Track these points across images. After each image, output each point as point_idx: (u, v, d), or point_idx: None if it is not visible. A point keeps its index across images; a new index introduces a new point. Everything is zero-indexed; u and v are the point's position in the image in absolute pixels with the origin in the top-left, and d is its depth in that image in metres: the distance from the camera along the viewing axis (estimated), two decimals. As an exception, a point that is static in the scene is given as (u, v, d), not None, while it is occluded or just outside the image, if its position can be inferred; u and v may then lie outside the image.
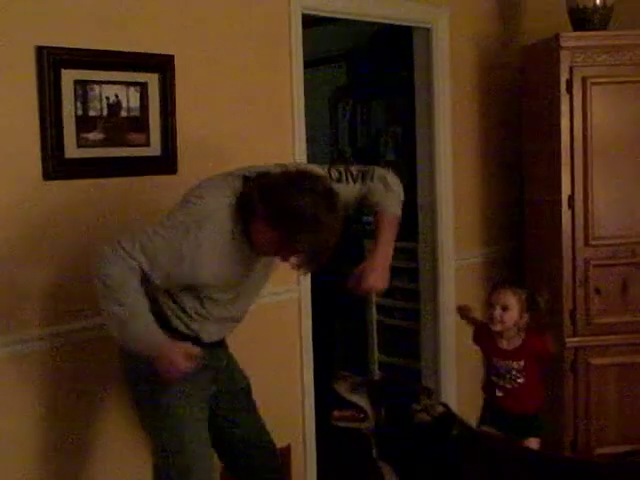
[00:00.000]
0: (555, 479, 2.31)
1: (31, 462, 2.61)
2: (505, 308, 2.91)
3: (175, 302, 2.36)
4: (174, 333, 2.35)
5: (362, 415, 2.38)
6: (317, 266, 2.29)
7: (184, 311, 2.37)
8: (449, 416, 2.38)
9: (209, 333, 2.43)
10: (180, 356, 2.23)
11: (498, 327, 2.93)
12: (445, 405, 2.45)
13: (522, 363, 2.94)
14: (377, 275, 2.47)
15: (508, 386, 2.98)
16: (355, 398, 2.39)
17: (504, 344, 2.99)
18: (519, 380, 2.96)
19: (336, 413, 2.43)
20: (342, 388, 2.42)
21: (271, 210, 2.17)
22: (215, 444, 2.53)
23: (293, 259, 2.27)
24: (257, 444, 2.65)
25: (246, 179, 2.30)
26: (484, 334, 3.07)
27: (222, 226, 2.23)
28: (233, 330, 2.57)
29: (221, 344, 2.56)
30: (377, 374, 2.46)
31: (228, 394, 2.58)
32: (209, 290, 2.33)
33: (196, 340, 2.38)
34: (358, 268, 2.50)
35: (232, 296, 2.40)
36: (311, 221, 2.12)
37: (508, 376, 2.97)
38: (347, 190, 2.48)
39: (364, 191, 2.53)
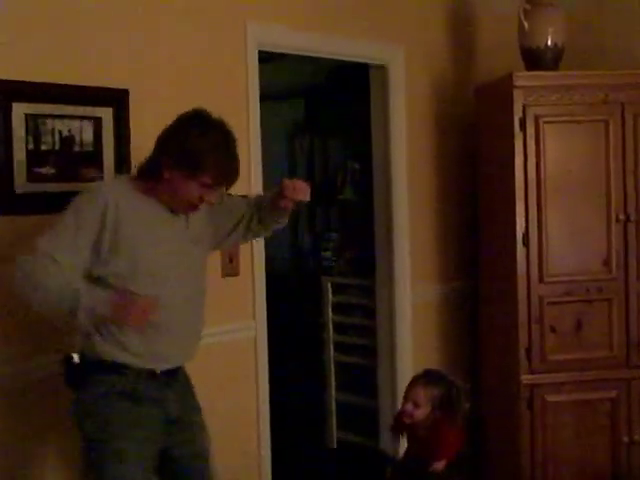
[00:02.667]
0: None
1: None
2: (416, 404, 2.90)
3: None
4: (117, 371, 2.26)
5: None
6: (233, 182, 2.37)
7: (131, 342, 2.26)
8: None
9: (159, 354, 2.32)
10: (135, 303, 2.16)
11: (407, 421, 2.93)
12: None
13: (428, 448, 2.90)
14: (297, 184, 2.49)
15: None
16: None
17: (419, 435, 2.94)
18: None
19: None
20: None
21: (170, 153, 2.28)
22: None
23: (211, 195, 2.33)
24: None
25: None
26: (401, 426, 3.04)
27: (123, 193, 2.29)
28: (188, 355, 2.45)
29: (176, 375, 2.42)
30: None
31: (181, 450, 2.44)
32: (151, 278, 2.27)
33: (146, 374, 2.29)
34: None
35: (176, 286, 2.33)
36: (208, 144, 2.26)
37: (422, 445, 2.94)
38: (238, 200, 2.66)
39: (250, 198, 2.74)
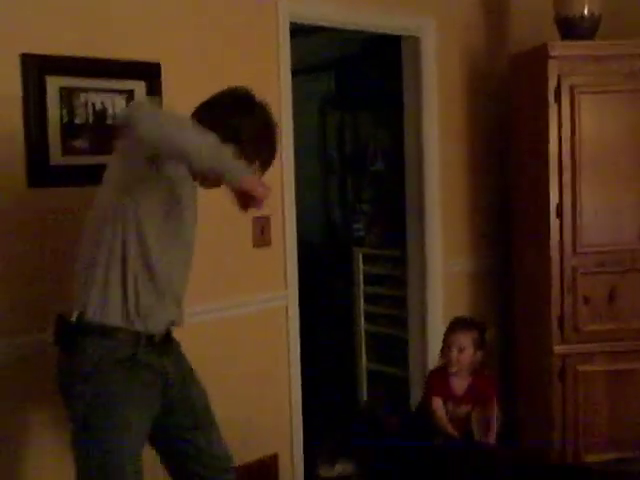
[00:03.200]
0: None
1: None
2: (461, 349, 3.09)
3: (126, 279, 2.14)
4: (116, 336, 2.15)
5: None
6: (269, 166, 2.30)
7: (135, 286, 2.15)
8: None
9: (157, 320, 2.22)
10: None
11: (455, 368, 3.11)
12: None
13: (469, 408, 3.12)
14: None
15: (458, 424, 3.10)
16: (340, 469, 2.45)
17: (456, 387, 3.14)
18: (468, 422, 3.13)
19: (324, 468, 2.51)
20: (325, 469, 2.48)
21: (213, 127, 2.08)
22: (167, 460, 2.43)
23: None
24: (210, 463, 2.45)
25: None
26: (440, 386, 3.16)
27: None
28: (176, 323, 2.35)
29: (169, 342, 2.34)
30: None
31: (181, 411, 2.38)
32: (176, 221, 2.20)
33: (145, 339, 2.20)
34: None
35: (187, 248, 2.29)
36: (253, 128, 2.21)
37: (457, 421, 3.11)
38: None
39: None
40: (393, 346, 4.29)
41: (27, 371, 2.59)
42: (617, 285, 3.65)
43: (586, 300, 3.63)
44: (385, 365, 4.40)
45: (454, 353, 3.09)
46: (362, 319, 4.46)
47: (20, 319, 2.57)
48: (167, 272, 2.21)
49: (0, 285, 2.53)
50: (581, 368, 3.65)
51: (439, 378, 3.19)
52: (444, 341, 3.17)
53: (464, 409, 3.14)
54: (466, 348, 3.09)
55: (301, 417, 3.43)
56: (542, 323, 3.67)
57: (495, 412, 3.13)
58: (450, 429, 3.06)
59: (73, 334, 2.16)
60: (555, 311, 3.62)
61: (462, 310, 4.09)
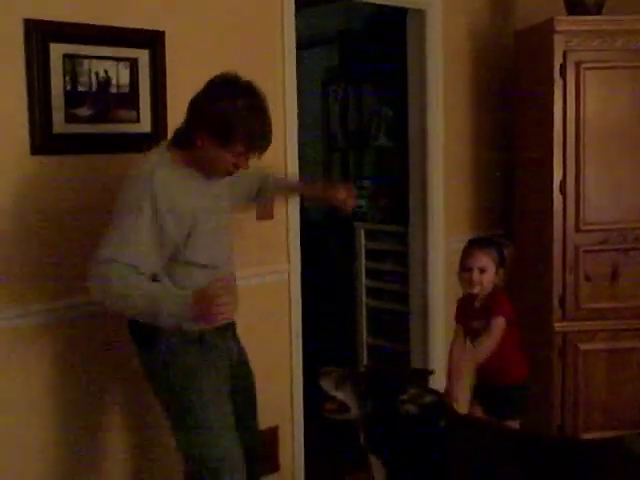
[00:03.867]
0: (544, 463, 2.30)
1: (33, 437, 2.61)
2: (482, 270, 2.91)
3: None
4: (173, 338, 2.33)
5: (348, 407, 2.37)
6: (265, 149, 2.35)
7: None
8: (437, 405, 2.35)
9: None
10: (215, 295, 2.11)
11: (477, 289, 2.93)
12: (434, 392, 2.42)
13: (484, 322, 2.90)
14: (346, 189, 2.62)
15: None
16: (340, 394, 2.38)
17: (477, 304, 2.97)
18: None
19: (327, 406, 2.43)
20: (327, 384, 2.41)
21: (201, 121, 2.25)
22: None
23: (244, 162, 2.32)
24: (253, 436, 2.64)
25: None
26: (462, 308, 3.07)
27: (166, 170, 2.26)
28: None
29: (233, 325, 2.54)
30: (363, 364, 2.42)
31: (240, 393, 2.56)
32: (198, 237, 2.31)
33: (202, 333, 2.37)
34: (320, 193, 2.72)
35: (221, 244, 2.42)
36: (239, 112, 2.22)
37: (477, 338, 2.93)
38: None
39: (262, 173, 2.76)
40: (394, 321, 4.29)
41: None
42: (619, 263, 3.66)
43: (588, 278, 3.63)
44: (386, 340, 4.40)
45: (476, 274, 2.89)
46: (364, 294, 4.46)
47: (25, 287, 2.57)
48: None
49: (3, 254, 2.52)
50: (581, 346, 3.66)
51: (462, 305, 3.06)
52: (462, 264, 2.96)
53: (478, 324, 2.93)
54: (488, 268, 2.90)
55: (302, 390, 3.44)
56: (543, 300, 3.68)
57: (491, 332, 2.84)
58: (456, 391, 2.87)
59: (146, 330, 2.31)
60: (557, 288, 3.63)
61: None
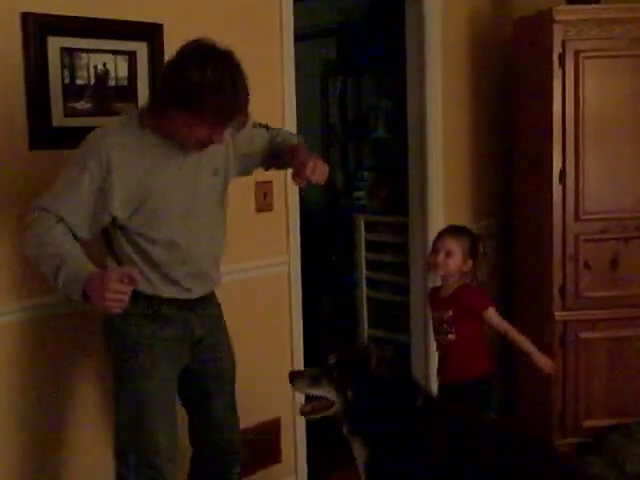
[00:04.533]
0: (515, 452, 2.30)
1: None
2: (448, 253, 2.92)
3: (133, 253, 2.30)
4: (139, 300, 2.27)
5: (329, 402, 2.37)
6: (241, 124, 2.33)
7: (147, 260, 2.30)
8: (399, 357, 2.39)
9: (180, 286, 2.35)
10: (113, 282, 2.06)
11: (441, 271, 2.95)
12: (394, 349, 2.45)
13: (450, 313, 2.91)
14: (318, 166, 2.36)
15: (442, 342, 2.95)
16: (318, 391, 2.38)
17: (442, 292, 2.99)
18: (450, 335, 2.92)
19: (304, 408, 2.43)
20: (301, 386, 2.41)
21: (171, 90, 2.17)
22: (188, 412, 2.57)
23: (218, 134, 2.24)
24: (220, 428, 2.57)
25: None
26: (433, 297, 3.08)
27: (124, 136, 2.24)
28: (208, 286, 2.47)
29: (203, 304, 2.46)
30: (329, 356, 2.49)
31: (205, 374, 2.50)
32: (159, 215, 2.27)
33: (171, 301, 2.35)
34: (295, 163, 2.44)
35: (192, 218, 2.34)
36: (207, 80, 2.11)
37: (440, 328, 2.96)
38: (260, 134, 2.59)
39: (272, 133, 2.63)
40: (395, 312, 4.30)
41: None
42: (619, 252, 3.66)
43: (588, 267, 3.64)
44: (387, 331, 4.41)
45: (441, 257, 2.92)
46: (364, 286, 4.46)
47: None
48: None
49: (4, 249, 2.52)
50: (582, 335, 3.67)
51: (434, 293, 3.08)
52: (432, 246, 3.01)
53: (443, 313, 2.94)
54: (454, 253, 2.92)
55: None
56: (543, 289, 3.68)
57: (490, 309, 2.87)
58: None
59: None
60: (557, 278, 3.63)
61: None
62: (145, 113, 2.31)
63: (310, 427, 3.47)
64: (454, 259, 2.92)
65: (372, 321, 4.52)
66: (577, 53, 3.56)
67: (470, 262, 2.95)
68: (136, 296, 2.21)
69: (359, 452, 2.38)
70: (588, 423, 3.68)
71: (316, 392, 2.37)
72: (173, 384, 2.41)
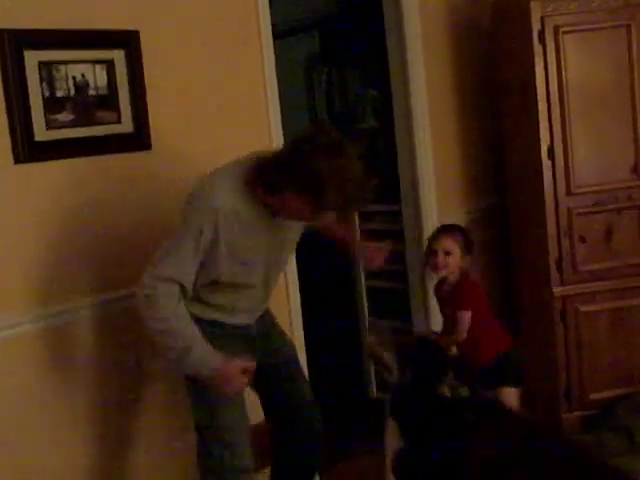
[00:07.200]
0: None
1: (70, 430, 2.70)
2: (448, 253, 2.99)
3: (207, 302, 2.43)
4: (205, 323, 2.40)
5: (389, 368, 2.42)
6: (360, 207, 2.69)
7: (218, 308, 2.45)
8: (470, 402, 2.38)
9: (240, 319, 2.52)
10: (237, 374, 2.29)
11: (444, 272, 3.03)
12: (472, 389, 2.45)
13: (451, 310, 3.00)
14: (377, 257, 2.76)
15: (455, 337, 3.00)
16: (384, 355, 2.41)
17: (445, 290, 3.07)
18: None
19: (372, 339, 2.47)
20: (373, 340, 2.45)
21: (294, 177, 2.18)
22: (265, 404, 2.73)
23: (324, 217, 2.44)
24: (298, 412, 2.71)
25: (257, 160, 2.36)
26: (438, 294, 3.16)
27: (235, 204, 2.27)
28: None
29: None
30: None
31: (269, 365, 2.60)
32: (243, 272, 2.38)
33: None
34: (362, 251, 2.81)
35: (264, 270, 2.46)
36: (335, 175, 2.13)
37: (453, 327, 3.00)
38: None
39: None
40: (395, 300, 4.30)
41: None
42: (613, 223, 3.66)
43: (583, 240, 3.64)
44: (388, 319, 4.40)
45: (440, 257, 2.99)
46: (362, 276, 4.46)
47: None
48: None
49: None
50: (582, 308, 3.67)
51: (436, 288, 3.17)
52: (428, 247, 3.07)
53: (450, 312, 3.03)
54: (452, 252, 2.99)
55: (306, 371, 3.44)
56: (540, 266, 3.68)
57: (458, 326, 2.94)
58: None
59: None
60: (553, 253, 3.63)
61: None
62: (254, 180, 2.31)
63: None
64: (453, 257, 3.00)
65: (373, 310, 4.51)
66: (556, 29, 3.55)
67: (468, 258, 3.04)
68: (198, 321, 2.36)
69: (392, 438, 2.39)
70: (594, 395, 3.68)
71: (382, 355, 2.45)
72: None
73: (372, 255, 2.79)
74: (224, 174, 2.33)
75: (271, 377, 2.63)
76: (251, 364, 2.32)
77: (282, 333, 2.76)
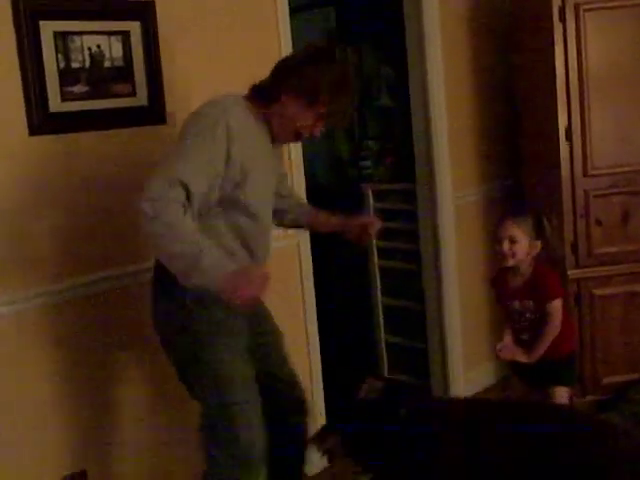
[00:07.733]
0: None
1: (55, 414, 2.65)
2: (513, 240, 2.84)
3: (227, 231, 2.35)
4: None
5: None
6: (342, 125, 2.54)
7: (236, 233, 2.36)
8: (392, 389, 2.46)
9: (258, 255, 2.46)
10: (257, 275, 2.15)
11: (510, 262, 2.87)
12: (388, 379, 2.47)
13: (531, 304, 2.87)
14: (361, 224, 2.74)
15: (526, 332, 2.91)
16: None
17: (518, 281, 2.91)
18: (528, 314, 2.89)
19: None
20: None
21: (292, 79, 2.31)
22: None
23: (319, 127, 2.38)
24: (280, 378, 2.67)
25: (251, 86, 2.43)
26: (500, 280, 3.02)
27: (242, 111, 2.31)
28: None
29: None
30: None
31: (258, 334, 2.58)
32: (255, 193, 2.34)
33: None
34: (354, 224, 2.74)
35: (267, 212, 2.46)
36: (332, 77, 2.29)
37: (522, 319, 2.90)
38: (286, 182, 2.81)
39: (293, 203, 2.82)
40: (408, 280, 4.28)
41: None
42: (630, 206, 3.63)
43: (599, 222, 3.61)
44: (400, 299, 4.40)
45: (505, 245, 2.83)
46: (375, 255, 4.44)
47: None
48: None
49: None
50: (597, 291, 3.65)
51: (501, 277, 3.00)
52: (495, 236, 2.91)
53: (518, 305, 2.90)
54: (518, 239, 2.83)
55: (319, 353, 3.44)
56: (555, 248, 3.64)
57: (552, 319, 2.81)
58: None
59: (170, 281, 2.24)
60: (568, 235, 3.60)
61: (474, 240, 4.09)
62: (249, 97, 2.39)
63: (328, 401, 3.47)
64: (520, 245, 2.84)
65: (385, 289, 4.50)
66: (577, 6, 3.51)
67: (538, 243, 2.87)
68: None
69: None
70: (607, 380, 3.67)
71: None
72: (250, 359, 2.45)
73: (358, 230, 2.75)
74: (224, 95, 2.36)
75: (258, 356, 2.55)
76: (267, 271, 2.22)
77: (274, 324, 2.72)
